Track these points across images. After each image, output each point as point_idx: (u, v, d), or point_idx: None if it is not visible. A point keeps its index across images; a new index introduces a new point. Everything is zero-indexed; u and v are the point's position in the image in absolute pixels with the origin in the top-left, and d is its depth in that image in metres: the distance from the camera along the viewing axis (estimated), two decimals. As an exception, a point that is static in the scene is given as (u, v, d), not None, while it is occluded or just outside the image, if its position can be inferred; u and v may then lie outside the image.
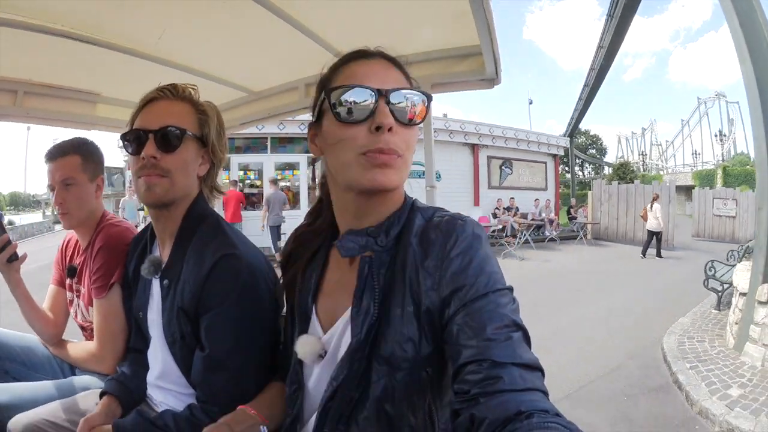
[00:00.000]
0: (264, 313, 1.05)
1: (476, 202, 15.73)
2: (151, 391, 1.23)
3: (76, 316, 1.60)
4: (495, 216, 14.80)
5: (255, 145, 12.65)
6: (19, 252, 1.44)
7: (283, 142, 12.85)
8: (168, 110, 1.14)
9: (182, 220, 1.17)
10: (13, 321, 1.69)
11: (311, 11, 1.52)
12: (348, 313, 0.82)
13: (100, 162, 1.58)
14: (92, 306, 1.44)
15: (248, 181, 13.07)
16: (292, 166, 13.15)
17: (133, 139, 1.11)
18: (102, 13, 1.48)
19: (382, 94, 0.75)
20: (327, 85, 0.81)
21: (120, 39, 1.65)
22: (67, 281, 1.60)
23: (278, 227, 9.46)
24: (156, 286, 1.19)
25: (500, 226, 13.75)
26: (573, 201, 18.21)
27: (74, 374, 1.56)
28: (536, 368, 0.63)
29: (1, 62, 1.78)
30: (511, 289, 0.72)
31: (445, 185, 14.21)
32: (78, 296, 1.56)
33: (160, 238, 1.23)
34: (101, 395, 1.24)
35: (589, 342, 4.27)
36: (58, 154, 1.50)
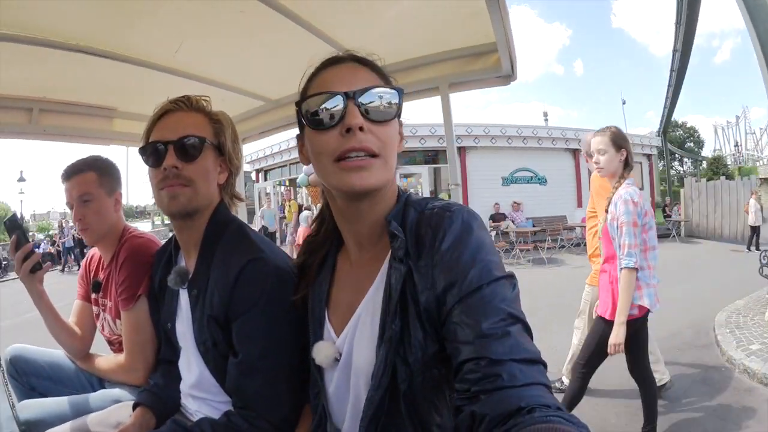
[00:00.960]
0: (293, 315, 1.03)
1: (579, 204, 16.21)
2: (185, 401, 1.21)
3: (102, 329, 1.59)
4: (597, 216, 15.17)
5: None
6: None
7: (405, 155, 13.90)
8: (184, 121, 1.14)
9: (205, 228, 1.16)
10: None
11: (328, 16, 1.53)
12: (356, 315, 0.83)
13: (117, 177, 1.58)
14: (119, 319, 1.43)
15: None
16: (414, 176, 14.32)
17: (152, 152, 1.10)
18: (119, 27, 1.49)
19: (349, 96, 0.75)
20: (303, 96, 0.82)
21: (137, 53, 1.66)
22: (92, 296, 1.59)
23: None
24: (184, 296, 1.18)
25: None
26: (668, 200, 18.41)
27: (103, 387, 1.54)
28: (536, 361, 0.61)
29: (17, 80, 1.80)
30: (509, 276, 0.70)
31: (550, 189, 15.24)
32: (104, 310, 1.55)
33: (184, 249, 1.22)
34: (134, 407, 1.22)
35: (659, 315, 5.60)
36: (73, 172, 1.50)
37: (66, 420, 1.27)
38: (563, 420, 0.51)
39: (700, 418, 2.95)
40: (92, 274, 1.63)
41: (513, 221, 13.59)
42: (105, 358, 1.53)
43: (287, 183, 16.41)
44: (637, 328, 2.31)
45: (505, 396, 0.56)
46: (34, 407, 1.34)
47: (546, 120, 24.16)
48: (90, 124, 2.09)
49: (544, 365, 0.63)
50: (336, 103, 0.76)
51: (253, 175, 19.31)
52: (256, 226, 13.83)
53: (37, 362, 1.55)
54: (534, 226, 13.02)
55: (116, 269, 1.44)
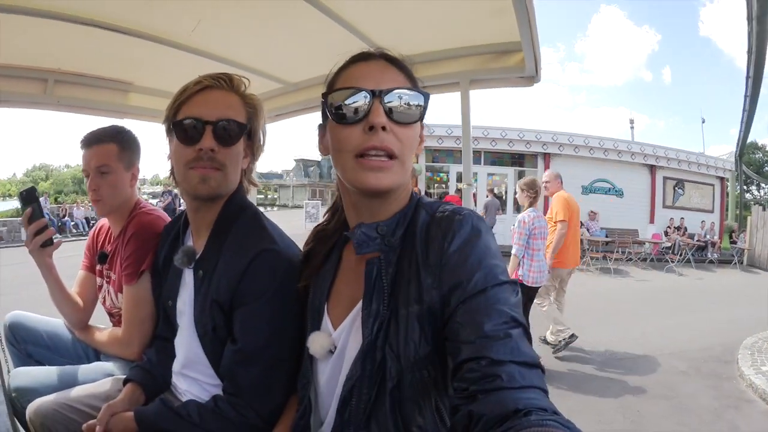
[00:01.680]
0: (298, 307, 1.02)
1: (651, 220, 16.48)
2: (176, 380, 1.20)
3: (104, 302, 1.58)
4: (666, 234, 15.55)
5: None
6: None
7: (494, 156, 15.07)
8: (225, 101, 1.09)
9: (221, 211, 1.14)
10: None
11: (350, 3, 1.48)
12: (356, 309, 0.84)
13: (137, 151, 1.56)
14: (122, 292, 1.42)
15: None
16: (500, 176, 15.45)
17: (187, 129, 1.05)
18: (135, 3, 1.46)
19: (376, 95, 0.76)
20: (330, 88, 0.84)
21: (153, 29, 1.63)
22: (98, 267, 1.59)
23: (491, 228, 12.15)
24: (189, 276, 1.16)
25: (669, 244, 14.73)
26: (735, 226, 18.16)
27: (99, 360, 1.54)
28: (535, 365, 0.62)
29: (32, 51, 1.79)
30: (512, 282, 0.71)
31: (626, 202, 15.95)
32: (108, 282, 1.54)
33: (195, 228, 1.20)
34: (125, 382, 1.21)
35: (699, 332, 6.15)
36: (94, 141, 1.48)
37: (56, 390, 1.27)
38: (559, 424, 0.51)
39: (703, 414, 3.62)
40: (99, 246, 1.62)
41: (588, 230, 13.83)
42: (103, 331, 1.52)
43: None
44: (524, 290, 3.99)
45: (503, 397, 0.57)
46: (27, 375, 1.33)
47: (632, 127, 23.67)
48: (105, 97, 2.07)
49: (543, 370, 0.63)
50: (362, 100, 0.76)
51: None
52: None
53: (36, 330, 1.55)
54: (607, 236, 13.44)
55: (123, 243, 1.43)
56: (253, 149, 1.18)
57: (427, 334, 0.73)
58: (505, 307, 0.67)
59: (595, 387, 4.00)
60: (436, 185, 15.66)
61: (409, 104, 0.79)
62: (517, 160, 15.27)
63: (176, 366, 1.20)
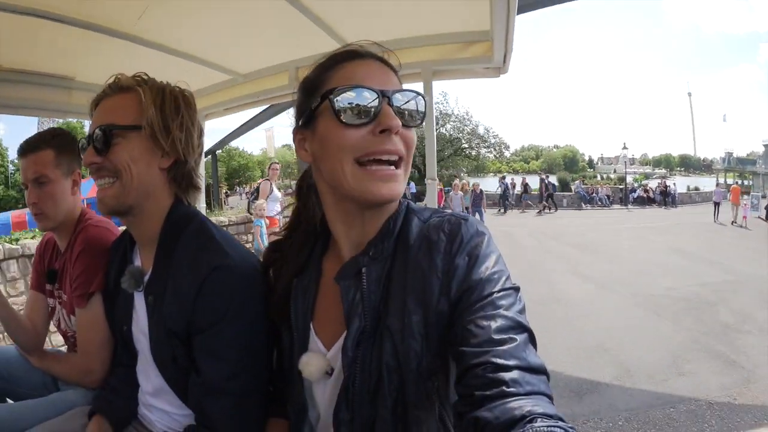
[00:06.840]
0: (262, 328, 0.92)
1: None
2: (144, 410, 1.09)
3: (59, 324, 1.41)
4: None
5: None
6: None
7: None
8: (109, 108, 0.99)
9: (162, 226, 1.00)
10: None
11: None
12: None
13: (77, 153, 1.36)
14: (74, 315, 1.27)
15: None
16: None
17: (81, 148, 1.01)
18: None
19: (385, 96, 0.71)
20: (319, 87, 0.76)
21: (97, 17, 1.44)
22: (48, 287, 1.41)
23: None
24: (139, 300, 1.03)
25: None
26: None
27: (58, 386, 1.40)
28: (541, 371, 0.60)
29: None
30: (516, 288, 0.69)
31: None
32: (60, 303, 1.37)
33: (139, 245, 1.07)
34: (90, 414, 1.09)
35: None
36: (29, 149, 1.30)
37: (18, 428, 1.13)
38: (564, 430, 0.51)
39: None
40: (47, 263, 1.44)
41: None
42: (60, 358, 1.36)
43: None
44: None
45: (509, 404, 0.55)
46: None
47: None
48: (45, 95, 1.84)
49: (548, 376, 0.61)
50: (371, 101, 0.71)
51: None
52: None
53: None
54: None
55: (71, 261, 1.26)
56: (172, 144, 0.99)
57: (431, 343, 0.70)
58: (510, 313, 0.65)
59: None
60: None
61: (415, 108, 0.75)
62: None
63: (142, 396, 1.09)
